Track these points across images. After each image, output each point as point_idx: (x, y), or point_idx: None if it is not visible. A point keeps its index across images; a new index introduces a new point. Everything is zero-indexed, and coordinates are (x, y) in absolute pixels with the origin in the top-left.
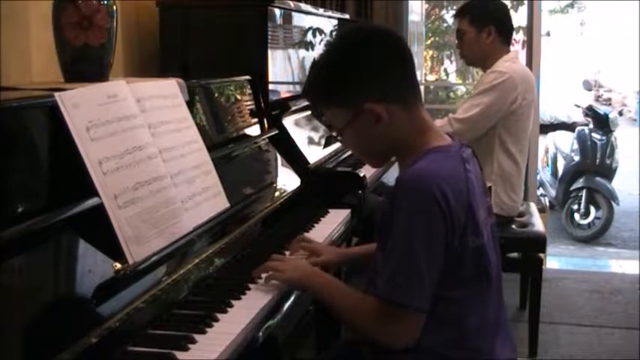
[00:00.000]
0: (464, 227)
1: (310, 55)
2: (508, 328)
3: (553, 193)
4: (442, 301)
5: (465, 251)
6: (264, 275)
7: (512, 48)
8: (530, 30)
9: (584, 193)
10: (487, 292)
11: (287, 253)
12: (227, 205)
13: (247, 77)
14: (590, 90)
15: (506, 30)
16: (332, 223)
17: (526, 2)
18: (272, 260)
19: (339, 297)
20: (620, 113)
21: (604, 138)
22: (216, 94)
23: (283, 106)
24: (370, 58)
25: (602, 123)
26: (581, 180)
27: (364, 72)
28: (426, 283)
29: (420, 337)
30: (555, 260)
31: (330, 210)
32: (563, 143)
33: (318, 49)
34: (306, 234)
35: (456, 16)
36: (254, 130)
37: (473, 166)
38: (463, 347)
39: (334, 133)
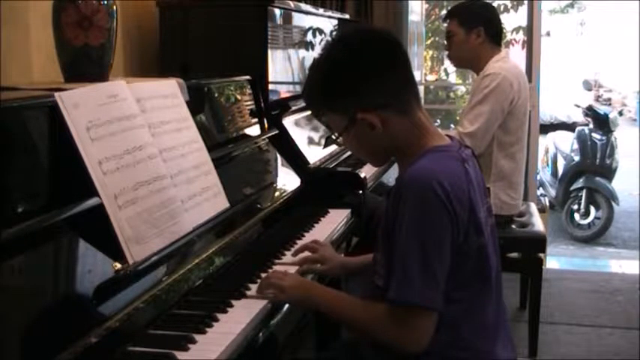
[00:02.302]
0: (466, 224)
1: (310, 55)
2: (508, 329)
3: (553, 193)
4: (444, 302)
5: (468, 250)
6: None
7: (512, 48)
8: (530, 30)
9: (584, 193)
10: (487, 293)
11: (287, 253)
12: (227, 205)
13: (247, 77)
14: (590, 90)
15: (495, 31)
16: (332, 223)
17: (526, 2)
18: (272, 277)
19: (349, 309)
20: (620, 113)
21: (604, 138)
22: (216, 94)
23: (283, 106)
24: (362, 67)
25: (602, 123)
26: (581, 180)
27: (356, 82)
28: (439, 280)
29: None
30: (555, 260)
31: (330, 210)
32: (563, 143)
33: (318, 49)
34: (306, 234)
35: (445, 17)
36: (254, 130)
37: (472, 167)
38: (463, 348)
39: (334, 136)
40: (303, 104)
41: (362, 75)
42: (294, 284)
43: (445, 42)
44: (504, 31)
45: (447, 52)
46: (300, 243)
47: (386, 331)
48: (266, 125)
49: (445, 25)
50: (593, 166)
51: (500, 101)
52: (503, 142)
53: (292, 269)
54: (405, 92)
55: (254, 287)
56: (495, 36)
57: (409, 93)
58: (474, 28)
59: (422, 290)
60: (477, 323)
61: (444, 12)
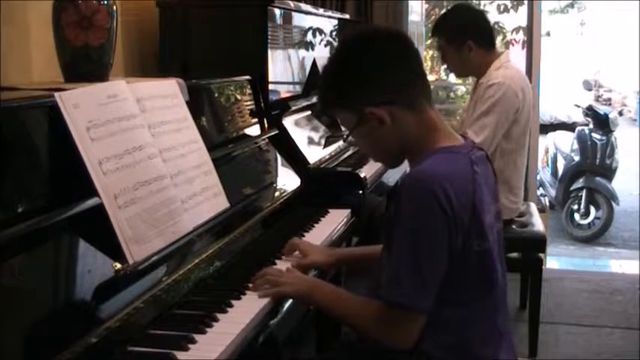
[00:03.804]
0: (467, 229)
1: (310, 55)
2: (511, 335)
3: (553, 193)
4: (445, 305)
5: (469, 254)
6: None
7: (512, 48)
8: (530, 30)
9: (584, 193)
10: (491, 299)
11: (278, 262)
12: (227, 205)
13: (247, 77)
14: (590, 90)
15: (485, 38)
16: (332, 223)
17: (526, 2)
18: (269, 274)
19: (345, 305)
20: (620, 113)
21: (604, 138)
22: (216, 94)
23: (283, 106)
24: (369, 63)
25: (602, 123)
26: (581, 180)
27: (364, 78)
28: (429, 283)
29: (422, 339)
30: (555, 260)
31: (330, 210)
32: (563, 143)
33: (318, 49)
34: (306, 234)
35: (432, 34)
36: (254, 130)
37: (483, 169)
38: (465, 353)
39: (344, 135)
40: (303, 104)
41: (366, 71)
42: (291, 280)
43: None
44: (504, 30)
45: (445, 65)
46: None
47: (375, 328)
48: (266, 125)
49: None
50: (593, 166)
51: (506, 111)
52: (504, 148)
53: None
54: (413, 88)
55: (255, 288)
56: (487, 40)
57: (417, 89)
58: (462, 43)
59: (410, 291)
60: (482, 328)
61: (443, 12)
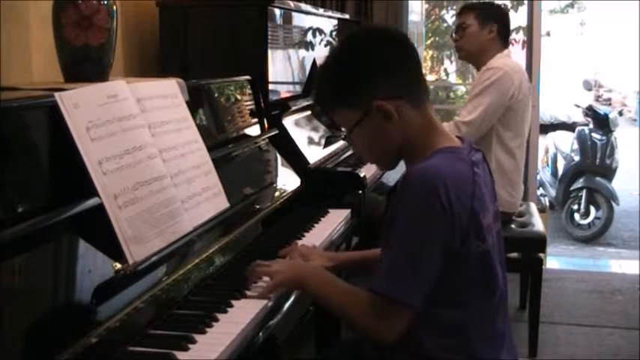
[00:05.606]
0: (466, 230)
1: (310, 55)
2: (512, 338)
3: (553, 193)
4: (446, 306)
5: (468, 255)
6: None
7: (512, 48)
8: (530, 30)
9: (584, 193)
10: (491, 300)
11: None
12: (227, 205)
13: (247, 77)
14: (590, 90)
15: (506, 31)
16: (332, 223)
17: (526, 2)
18: (258, 266)
19: (335, 292)
20: (620, 113)
21: (604, 138)
22: (216, 94)
23: (283, 106)
24: (376, 56)
25: (602, 123)
26: (581, 180)
27: (371, 70)
28: (421, 280)
29: (423, 340)
30: (555, 260)
31: (330, 210)
32: (563, 143)
33: (318, 49)
34: (306, 234)
35: (460, 12)
36: (254, 130)
37: (482, 171)
38: (466, 354)
39: (346, 140)
40: (303, 104)
41: (376, 64)
42: (282, 267)
43: (454, 34)
44: None
45: (455, 44)
46: (299, 243)
47: (362, 317)
48: (266, 125)
49: (453, 22)
50: (593, 166)
51: (500, 94)
52: (502, 137)
53: None
54: (417, 86)
55: (254, 287)
56: (505, 36)
57: (420, 87)
58: (488, 23)
59: (402, 285)
60: (483, 329)
61: (444, 12)
